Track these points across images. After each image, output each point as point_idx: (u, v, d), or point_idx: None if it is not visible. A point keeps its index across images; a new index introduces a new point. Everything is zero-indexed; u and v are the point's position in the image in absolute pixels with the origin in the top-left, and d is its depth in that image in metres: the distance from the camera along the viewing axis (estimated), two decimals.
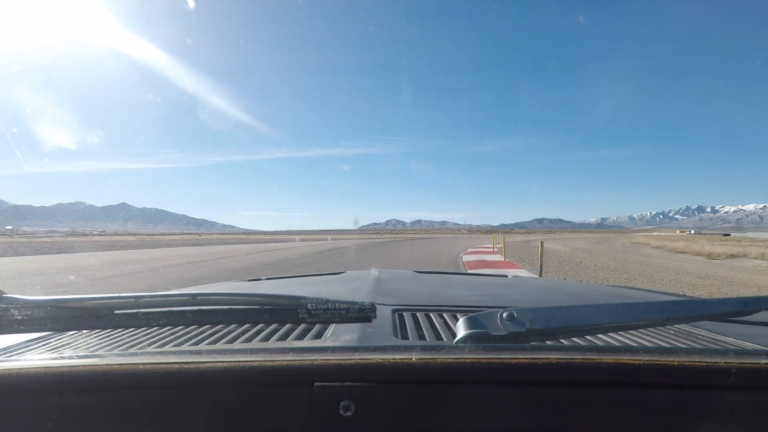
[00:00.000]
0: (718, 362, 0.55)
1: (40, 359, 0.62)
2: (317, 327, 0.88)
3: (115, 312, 0.71)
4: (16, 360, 0.62)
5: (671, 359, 0.56)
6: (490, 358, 0.56)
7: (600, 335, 0.86)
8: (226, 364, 0.56)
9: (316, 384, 0.55)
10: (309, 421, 0.54)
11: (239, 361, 0.57)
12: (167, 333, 0.90)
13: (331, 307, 0.71)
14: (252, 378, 0.56)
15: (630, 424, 0.54)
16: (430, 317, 1.00)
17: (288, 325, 0.91)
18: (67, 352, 0.77)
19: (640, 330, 0.90)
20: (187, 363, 0.57)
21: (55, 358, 0.61)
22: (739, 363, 0.55)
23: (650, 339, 0.85)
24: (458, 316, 0.97)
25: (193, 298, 0.77)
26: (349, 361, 0.57)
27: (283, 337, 0.84)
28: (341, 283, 1.88)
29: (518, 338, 0.61)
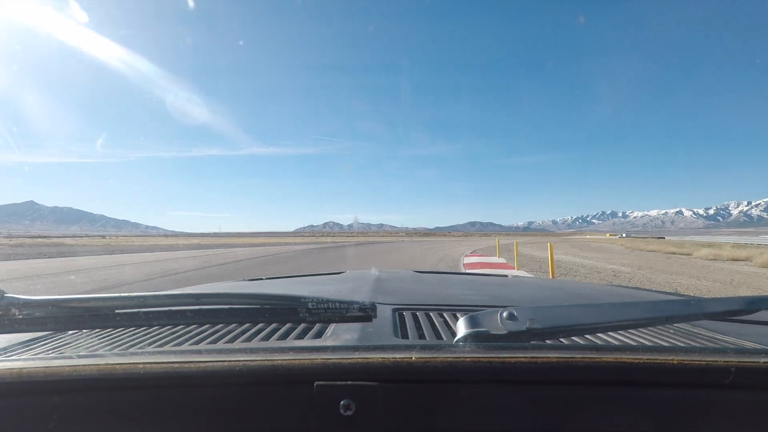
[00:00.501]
0: (717, 361, 0.56)
1: (41, 359, 0.61)
2: (317, 326, 0.88)
3: (116, 312, 0.71)
4: (17, 360, 0.61)
5: (671, 358, 0.56)
6: (490, 358, 0.56)
7: (600, 334, 0.86)
8: (226, 363, 0.56)
9: (316, 383, 0.55)
10: (309, 421, 0.54)
11: (239, 361, 0.57)
12: (167, 332, 0.90)
13: (332, 306, 0.71)
14: (252, 377, 0.56)
15: (630, 423, 0.54)
16: (430, 317, 1.00)
17: (288, 325, 0.91)
18: (68, 352, 0.77)
19: (640, 329, 0.90)
20: (188, 362, 0.57)
21: (56, 358, 0.61)
22: (739, 362, 0.56)
23: (650, 338, 0.86)
24: (458, 315, 0.97)
25: (194, 298, 0.77)
26: (350, 361, 0.57)
27: (284, 337, 0.84)
28: (341, 282, 1.88)
29: (518, 337, 0.61)
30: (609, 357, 0.56)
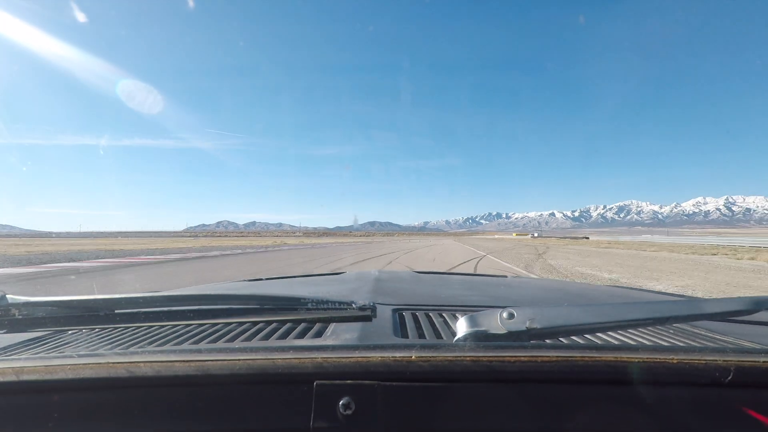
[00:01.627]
0: (717, 360, 0.56)
1: (41, 358, 0.61)
2: (317, 326, 0.88)
3: (116, 311, 0.71)
4: (17, 359, 0.61)
5: (670, 357, 0.56)
6: (490, 357, 0.56)
7: (599, 335, 0.87)
8: (226, 362, 0.56)
9: (316, 382, 0.55)
10: (309, 420, 0.54)
11: (240, 360, 0.57)
12: (168, 332, 0.90)
13: (332, 306, 0.71)
14: (252, 376, 0.56)
15: (629, 422, 0.54)
16: (430, 317, 1.00)
17: (288, 324, 0.91)
18: (68, 352, 0.77)
19: (640, 330, 0.91)
20: (188, 361, 0.57)
21: (56, 357, 0.61)
22: (738, 361, 0.56)
23: (650, 338, 0.86)
24: (458, 315, 0.97)
25: (194, 298, 0.76)
26: (350, 360, 0.57)
27: (284, 336, 0.83)
28: (342, 282, 1.88)
29: (518, 337, 0.61)
30: (609, 356, 0.56)
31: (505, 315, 0.62)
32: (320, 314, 0.72)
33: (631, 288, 2.14)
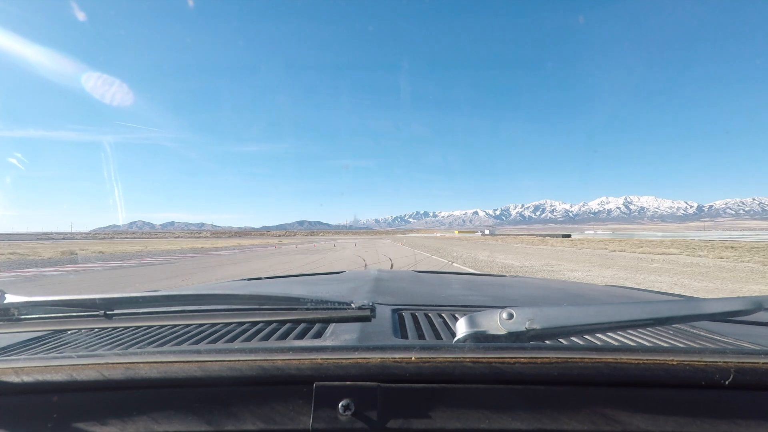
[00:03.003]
0: (716, 362, 0.56)
1: (40, 358, 0.61)
2: (317, 326, 0.88)
3: (115, 311, 0.71)
4: (16, 359, 0.61)
5: (670, 358, 0.56)
6: (490, 358, 0.56)
7: (599, 335, 0.87)
8: (225, 363, 0.56)
9: (315, 383, 0.55)
10: (309, 421, 0.54)
11: (239, 360, 0.57)
12: (167, 332, 0.89)
13: (331, 306, 0.71)
14: (252, 377, 0.56)
15: (629, 424, 0.54)
16: (430, 317, 1.00)
17: (288, 325, 0.91)
18: (67, 352, 0.77)
19: (640, 330, 0.91)
20: (187, 362, 0.57)
21: (55, 358, 0.61)
22: (738, 362, 0.56)
23: (649, 339, 0.86)
24: (458, 315, 0.98)
25: (193, 298, 0.77)
26: (349, 361, 0.57)
27: (283, 337, 0.84)
28: (341, 282, 1.88)
29: (518, 338, 0.61)
30: (608, 357, 0.56)
31: (504, 315, 0.62)
32: (319, 314, 0.71)
33: (631, 288, 2.16)
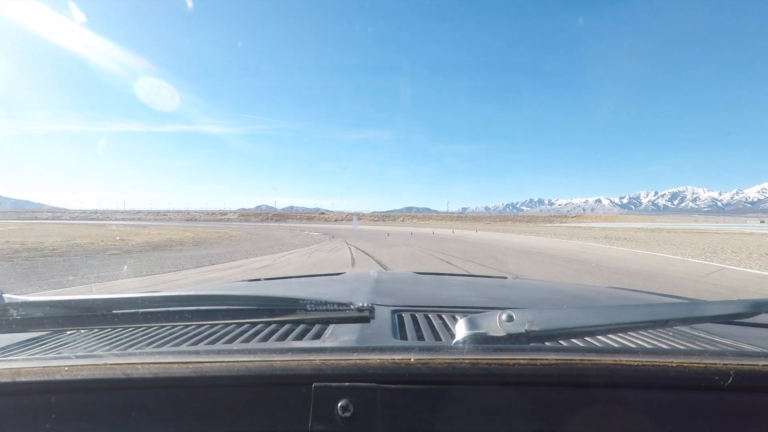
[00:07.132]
0: (716, 364, 0.56)
1: (39, 359, 0.61)
2: (316, 327, 0.88)
3: (114, 312, 0.71)
4: (15, 360, 0.62)
5: (670, 360, 0.56)
6: (489, 359, 0.56)
7: (599, 337, 0.86)
8: (224, 364, 0.56)
9: (314, 384, 0.55)
10: (307, 422, 0.53)
11: (238, 361, 0.57)
12: (166, 333, 0.89)
13: (330, 307, 0.71)
14: (250, 378, 0.56)
15: (628, 425, 0.54)
16: (429, 318, 1.00)
17: (287, 326, 0.91)
18: (66, 352, 0.77)
19: (640, 332, 0.90)
20: (186, 363, 0.57)
21: (54, 358, 0.60)
22: (738, 365, 0.55)
23: (649, 341, 0.86)
24: (457, 317, 0.98)
25: (192, 298, 0.77)
26: (348, 362, 0.56)
27: (282, 338, 0.84)
28: (341, 283, 1.88)
29: (517, 339, 0.61)
30: (608, 359, 0.56)
31: (504, 317, 0.62)
32: (318, 315, 0.71)
33: (631, 290, 2.15)
